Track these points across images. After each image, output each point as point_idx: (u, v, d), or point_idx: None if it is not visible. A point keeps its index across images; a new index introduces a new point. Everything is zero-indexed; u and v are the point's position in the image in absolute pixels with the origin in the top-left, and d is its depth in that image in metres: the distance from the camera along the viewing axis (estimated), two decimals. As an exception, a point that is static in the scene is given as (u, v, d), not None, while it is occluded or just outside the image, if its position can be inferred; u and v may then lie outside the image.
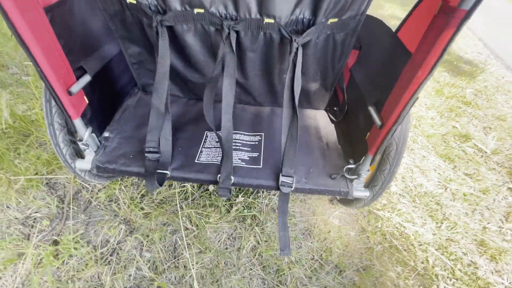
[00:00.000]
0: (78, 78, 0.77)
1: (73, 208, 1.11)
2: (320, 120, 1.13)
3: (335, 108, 1.14)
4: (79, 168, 0.88)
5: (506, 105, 2.28)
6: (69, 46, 0.72)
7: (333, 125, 1.12)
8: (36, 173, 1.16)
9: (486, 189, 1.46)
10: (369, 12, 0.85)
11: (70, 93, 0.71)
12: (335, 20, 0.79)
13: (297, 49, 0.76)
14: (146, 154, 0.83)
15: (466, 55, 3.11)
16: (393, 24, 3.79)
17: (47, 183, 1.18)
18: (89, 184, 1.19)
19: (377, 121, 0.75)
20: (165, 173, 0.84)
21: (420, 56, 0.63)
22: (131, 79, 1.07)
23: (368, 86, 0.88)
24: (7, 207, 1.08)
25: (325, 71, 0.97)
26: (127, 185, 1.20)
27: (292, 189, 0.84)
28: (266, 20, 0.77)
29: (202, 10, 0.76)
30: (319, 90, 1.05)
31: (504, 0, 5.41)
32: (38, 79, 1.60)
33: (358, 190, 0.88)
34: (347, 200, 1.09)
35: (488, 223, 1.30)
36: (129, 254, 1.01)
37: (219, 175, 0.84)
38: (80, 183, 1.19)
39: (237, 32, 0.80)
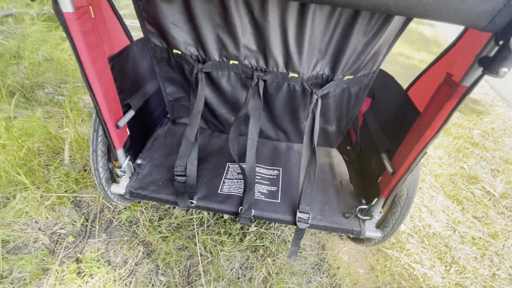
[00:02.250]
0: (124, 113, 0.87)
1: (95, 227, 1.17)
2: (334, 158, 1.20)
3: (348, 148, 1.22)
4: (114, 192, 0.96)
5: (514, 149, 2.32)
6: (121, 87, 0.83)
7: (345, 164, 1.19)
8: (66, 191, 1.24)
9: (495, 233, 1.47)
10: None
11: (118, 127, 0.81)
12: (351, 77, 0.90)
13: (316, 100, 0.86)
14: (175, 177, 0.91)
15: (473, 95, 3.21)
16: (401, 62, 3.91)
17: (72, 201, 1.25)
18: (111, 204, 1.26)
19: (389, 169, 0.82)
20: (192, 202, 0.91)
21: (427, 117, 0.71)
22: (162, 111, 1.18)
23: (380, 134, 0.96)
24: (36, 222, 1.15)
25: (340, 116, 1.07)
26: (147, 207, 1.26)
27: (308, 225, 0.89)
28: (291, 74, 0.88)
29: (236, 62, 0.89)
30: (334, 131, 1.14)
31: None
32: (71, 100, 1.74)
33: (370, 230, 0.93)
34: (358, 238, 1.13)
35: (498, 269, 1.30)
36: (145, 277, 1.05)
37: (240, 207, 0.90)
38: (104, 203, 1.26)
39: (265, 81, 0.91)
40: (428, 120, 0.70)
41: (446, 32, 5.61)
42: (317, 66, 0.87)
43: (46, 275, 0.99)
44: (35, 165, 1.31)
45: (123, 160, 0.90)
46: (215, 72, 0.92)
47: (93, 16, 0.64)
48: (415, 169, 0.87)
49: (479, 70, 0.57)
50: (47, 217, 1.16)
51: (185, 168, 0.92)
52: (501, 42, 0.50)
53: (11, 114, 1.41)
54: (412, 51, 4.16)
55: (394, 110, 0.92)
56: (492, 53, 0.53)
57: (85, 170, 1.39)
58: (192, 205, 0.91)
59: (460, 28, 0.64)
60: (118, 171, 0.91)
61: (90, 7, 0.63)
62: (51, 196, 1.20)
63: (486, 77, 0.55)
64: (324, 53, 0.83)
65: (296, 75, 0.88)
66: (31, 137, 1.41)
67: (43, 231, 1.12)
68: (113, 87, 0.79)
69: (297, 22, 0.75)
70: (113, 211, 1.25)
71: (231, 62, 0.88)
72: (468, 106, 2.90)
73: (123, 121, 0.84)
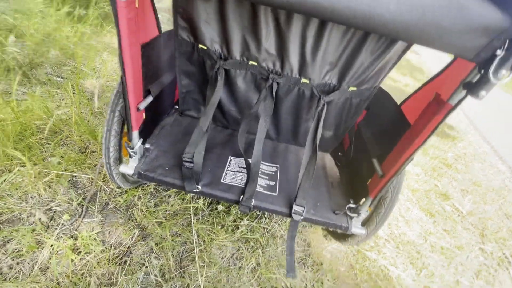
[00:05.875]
0: (144, 97, 0.93)
1: (91, 208, 1.18)
2: (327, 162, 1.30)
3: (339, 153, 1.33)
4: (123, 172, 1.00)
5: (482, 173, 2.55)
6: (146, 73, 0.90)
7: (336, 168, 1.29)
8: (65, 170, 1.25)
9: (461, 246, 1.63)
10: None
11: (138, 109, 0.86)
12: (354, 88, 1.01)
13: (323, 105, 0.96)
14: (183, 163, 0.96)
15: (449, 121, 3.49)
16: (388, 84, 4.17)
17: (69, 180, 1.26)
18: (108, 187, 1.28)
19: (379, 172, 0.93)
20: (197, 187, 0.97)
21: (417, 129, 0.82)
22: (171, 101, 1.24)
23: (373, 142, 1.08)
24: (31, 197, 1.14)
25: (339, 124, 1.17)
26: (145, 193, 1.29)
27: (302, 218, 0.97)
28: (303, 80, 0.99)
29: (255, 63, 0.98)
30: (330, 137, 1.25)
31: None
32: (76, 82, 1.74)
33: (356, 227, 1.03)
34: (342, 235, 1.23)
35: (461, 277, 1.44)
36: (139, 258, 1.08)
37: (241, 196, 0.97)
38: (100, 185, 1.27)
39: (278, 84, 1.00)
40: (417, 131, 0.81)
41: (430, 62, 6.11)
42: (327, 75, 0.98)
43: (41, 248, 0.99)
44: (33, 142, 1.31)
45: (136, 142, 0.95)
46: (233, 70, 1.00)
47: (137, 5, 0.70)
48: (400, 174, 0.98)
49: (463, 93, 0.69)
50: (42, 194, 1.16)
51: (193, 156, 0.98)
52: (482, 71, 0.62)
53: (14, 91, 1.40)
54: (398, 75, 4.46)
55: (388, 121, 1.04)
56: (475, 79, 0.65)
57: (82, 152, 1.40)
58: (197, 190, 0.97)
59: (440, 58, 0.77)
60: (130, 151, 0.95)
61: None
62: (50, 173, 1.20)
63: (462, 105, 0.67)
64: (335, 65, 0.94)
65: (307, 81, 0.98)
66: (29, 114, 1.41)
67: (38, 207, 1.12)
68: (140, 72, 0.85)
69: (316, 34, 0.86)
70: (109, 193, 1.26)
71: (250, 62, 0.97)
72: (444, 131, 3.15)
73: (143, 105, 0.90)
